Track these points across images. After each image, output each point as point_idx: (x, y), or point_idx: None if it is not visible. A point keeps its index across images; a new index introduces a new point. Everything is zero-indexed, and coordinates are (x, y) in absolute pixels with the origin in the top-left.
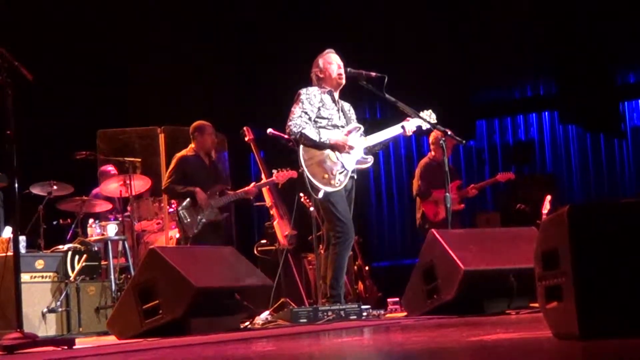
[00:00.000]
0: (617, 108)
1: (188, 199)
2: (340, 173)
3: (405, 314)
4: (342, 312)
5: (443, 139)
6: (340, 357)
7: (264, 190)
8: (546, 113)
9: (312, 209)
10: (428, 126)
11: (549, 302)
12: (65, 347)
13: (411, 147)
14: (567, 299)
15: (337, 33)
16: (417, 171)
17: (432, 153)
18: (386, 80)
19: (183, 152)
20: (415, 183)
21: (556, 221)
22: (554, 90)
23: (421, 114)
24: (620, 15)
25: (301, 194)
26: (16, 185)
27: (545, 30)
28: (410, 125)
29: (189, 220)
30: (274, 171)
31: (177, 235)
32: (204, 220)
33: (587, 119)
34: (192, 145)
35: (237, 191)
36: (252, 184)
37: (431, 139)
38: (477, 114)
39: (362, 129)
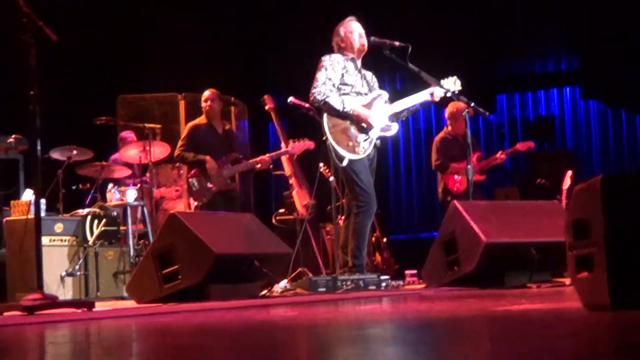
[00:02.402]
0: None
1: (198, 167)
2: (365, 140)
3: (424, 285)
4: (361, 282)
5: (467, 111)
6: (363, 323)
7: (284, 159)
8: (567, 88)
9: (331, 178)
10: (452, 94)
11: (579, 272)
12: (85, 309)
13: (430, 120)
14: (598, 269)
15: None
16: (434, 146)
17: (449, 127)
18: (410, 49)
19: (196, 121)
20: (433, 157)
21: (589, 190)
22: (576, 66)
23: (445, 80)
24: None
25: (321, 164)
26: (39, 146)
27: (567, 4)
28: (439, 91)
29: (197, 188)
30: (291, 141)
31: (196, 204)
32: (214, 189)
33: (609, 95)
34: (203, 114)
35: (250, 161)
36: (267, 154)
37: (447, 113)
38: (498, 88)
39: (386, 95)
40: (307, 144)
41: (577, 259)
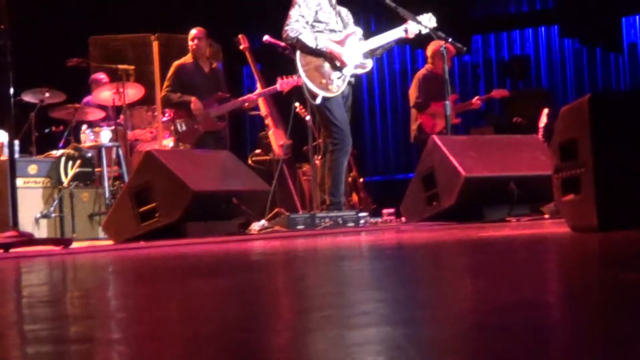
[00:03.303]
0: (619, 22)
1: (184, 108)
2: (339, 78)
3: (402, 221)
4: (339, 219)
5: (444, 46)
6: (341, 248)
7: (260, 99)
8: (542, 28)
9: (308, 118)
10: (428, 31)
11: (565, 195)
12: (62, 247)
13: (406, 62)
14: (585, 191)
15: None
16: (415, 82)
17: (430, 65)
18: None
19: (181, 60)
20: (413, 94)
21: (576, 111)
22: (551, 5)
23: (419, 17)
24: None
25: (297, 104)
26: (11, 84)
27: None
28: (413, 27)
29: (184, 129)
30: (278, 78)
31: (171, 144)
32: (201, 129)
33: (586, 33)
34: (190, 53)
35: (238, 99)
36: (255, 92)
37: (429, 51)
38: (473, 29)
39: (360, 32)
40: (296, 81)
41: (564, 181)
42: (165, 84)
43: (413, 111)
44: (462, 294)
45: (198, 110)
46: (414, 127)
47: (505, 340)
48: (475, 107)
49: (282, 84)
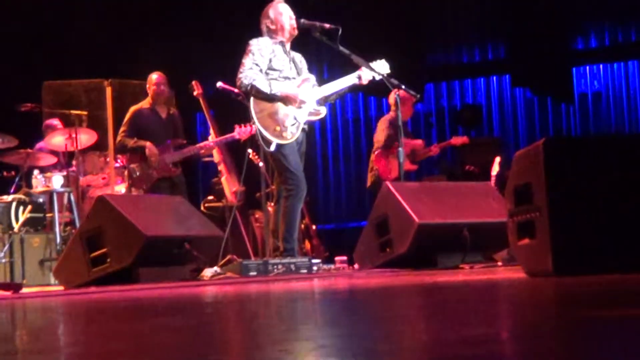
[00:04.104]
0: (570, 73)
1: (139, 153)
2: (292, 125)
3: (355, 268)
4: (292, 266)
5: (397, 93)
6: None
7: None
8: (494, 77)
9: (261, 164)
10: (381, 77)
11: (521, 239)
12: (12, 291)
13: (358, 110)
14: (540, 235)
15: None
16: (382, 125)
17: (393, 112)
18: (340, 31)
19: (139, 105)
20: (380, 135)
21: (531, 154)
22: (503, 55)
23: (373, 63)
24: None
25: (250, 150)
26: None
27: None
28: (366, 74)
29: (138, 174)
30: (236, 126)
31: (123, 191)
32: (155, 175)
33: (537, 83)
34: (149, 98)
35: (195, 146)
36: (211, 140)
37: (391, 99)
38: (426, 77)
39: (314, 79)
40: (253, 129)
41: (519, 225)
42: (122, 128)
43: (372, 157)
44: (420, 330)
45: (153, 156)
46: (370, 173)
47: None
48: (433, 155)
49: (240, 133)
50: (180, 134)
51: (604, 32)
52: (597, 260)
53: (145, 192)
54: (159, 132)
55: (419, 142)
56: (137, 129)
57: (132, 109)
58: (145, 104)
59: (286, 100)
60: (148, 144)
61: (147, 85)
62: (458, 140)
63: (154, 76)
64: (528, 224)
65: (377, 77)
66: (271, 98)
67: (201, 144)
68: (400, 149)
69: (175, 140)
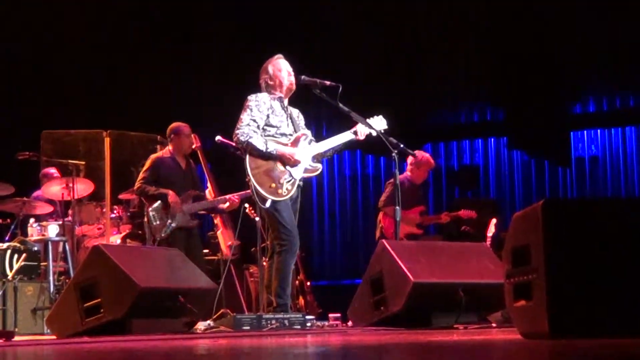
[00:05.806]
0: (568, 137)
1: (159, 201)
2: (288, 182)
3: (349, 325)
4: (285, 321)
5: (395, 151)
6: (296, 346)
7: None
8: (492, 139)
9: (257, 219)
10: (376, 133)
11: (517, 300)
12: (4, 339)
13: (356, 167)
14: (537, 297)
15: (287, 39)
16: (388, 185)
17: (409, 174)
18: (340, 89)
19: (159, 154)
20: (384, 194)
21: (529, 216)
22: (501, 117)
23: (370, 119)
24: (570, 41)
25: (246, 204)
26: None
27: (494, 57)
28: (363, 129)
29: (157, 222)
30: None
31: (119, 241)
32: (173, 224)
33: (535, 146)
34: (169, 147)
35: (215, 198)
36: (236, 194)
37: (409, 159)
38: (424, 137)
39: (310, 134)
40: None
41: (515, 287)
42: (141, 175)
43: (380, 214)
44: None
45: (176, 204)
46: (377, 230)
47: None
48: (443, 222)
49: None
50: (198, 186)
51: (602, 97)
52: (593, 323)
53: (162, 240)
54: (179, 182)
55: (419, 209)
56: (157, 178)
57: (153, 157)
58: (165, 152)
59: (282, 159)
60: (170, 192)
61: (170, 135)
62: (466, 214)
63: (182, 127)
64: (525, 286)
65: (374, 133)
66: (267, 157)
67: (223, 197)
68: (397, 207)
69: (193, 191)
